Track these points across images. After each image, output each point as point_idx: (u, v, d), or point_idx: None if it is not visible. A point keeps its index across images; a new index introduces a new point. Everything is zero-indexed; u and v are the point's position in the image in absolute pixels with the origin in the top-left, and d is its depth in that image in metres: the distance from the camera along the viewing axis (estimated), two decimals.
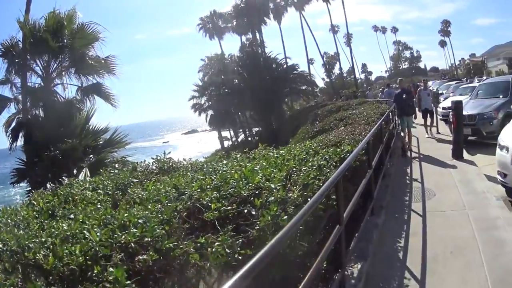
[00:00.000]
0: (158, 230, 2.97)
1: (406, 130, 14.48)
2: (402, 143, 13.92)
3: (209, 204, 3.56)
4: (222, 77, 51.83)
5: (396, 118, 15.80)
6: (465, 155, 12.44)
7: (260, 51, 56.16)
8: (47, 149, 13.99)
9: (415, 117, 15.59)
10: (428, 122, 17.89)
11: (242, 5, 58.79)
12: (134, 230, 2.97)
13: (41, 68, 16.30)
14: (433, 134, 17.05)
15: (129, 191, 4.75)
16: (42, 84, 16.38)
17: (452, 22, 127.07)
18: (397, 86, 18.18)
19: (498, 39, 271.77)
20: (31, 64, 16.27)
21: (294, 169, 4.78)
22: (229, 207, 3.52)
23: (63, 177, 10.33)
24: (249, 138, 54.35)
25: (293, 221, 2.86)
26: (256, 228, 3.27)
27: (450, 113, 13.36)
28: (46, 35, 15.30)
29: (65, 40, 16.04)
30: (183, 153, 69.49)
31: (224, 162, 6.05)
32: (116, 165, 11.25)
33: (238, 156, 6.63)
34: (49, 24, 15.73)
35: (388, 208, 8.17)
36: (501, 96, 15.52)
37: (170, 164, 6.87)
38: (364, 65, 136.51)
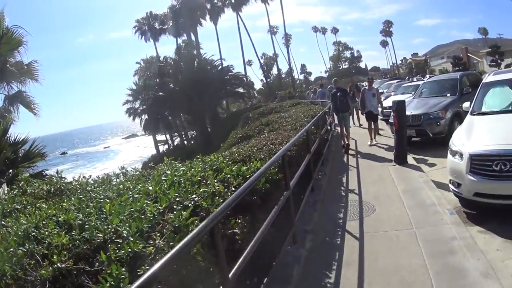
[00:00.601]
0: None
1: (344, 128, 14.46)
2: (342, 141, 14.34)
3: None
4: (157, 80, 50.41)
5: (334, 120, 16.66)
6: (410, 158, 11.08)
7: (195, 53, 55.09)
8: None
9: (352, 116, 17.10)
10: (373, 127, 15.05)
11: (178, 6, 57.64)
12: None
13: None
14: (377, 142, 14.61)
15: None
16: None
17: (395, 23, 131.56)
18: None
19: (441, 38, 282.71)
20: None
21: (177, 199, 3.85)
22: (64, 264, 2.89)
23: None
24: (185, 142, 53.83)
25: None
26: None
27: (392, 114, 12.04)
28: None
29: None
30: (124, 158, 70.09)
31: (119, 180, 5.85)
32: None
33: (137, 172, 6.33)
34: None
35: (316, 232, 6.70)
36: (448, 95, 14.43)
37: (58, 186, 6.30)
38: (303, 66, 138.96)
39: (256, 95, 72.83)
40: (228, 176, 4.88)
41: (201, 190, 4.15)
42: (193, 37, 59.60)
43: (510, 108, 8.12)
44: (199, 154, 6.88)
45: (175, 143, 56.21)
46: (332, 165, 11.64)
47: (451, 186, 7.25)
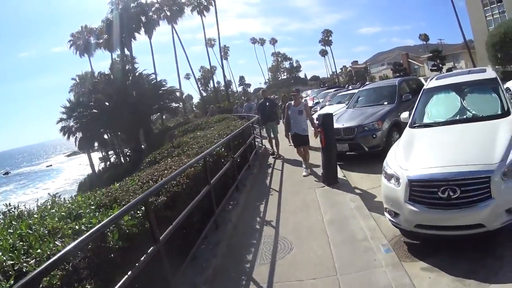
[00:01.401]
0: None
1: (272, 136, 14.40)
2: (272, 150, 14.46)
3: None
4: (93, 96, 48.27)
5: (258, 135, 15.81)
6: (341, 177, 9.68)
7: (129, 68, 53.25)
8: None
9: (278, 124, 14.97)
10: (304, 152, 11.47)
11: (111, 19, 55.56)
12: None
13: None
14: (310, 172, 11.06)
15: None
16: None
17: (336, 32, 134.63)
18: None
19: (382, 46, 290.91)
20: None
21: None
22: None
23: None
24: (122, 160, 51.97)
25: None
26: None
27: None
28: None
29: None
30: (67, 177, 66.93)
31: None
32: None
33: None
34: None
35: (215, 282, 5.40)
36: (385, 103, 13.00)
37: None
38: (242, 78, 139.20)
39: (194, 109, 71.47)
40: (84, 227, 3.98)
41: (38, 251, 3.42)
42: (127, 51, 57.52)
43: (457, 118, 6.79)
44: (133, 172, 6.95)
45: (112, 160, 54.50)
46: (251, 190, 10.06)
47: (387, 215, 5.97)
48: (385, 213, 5.98)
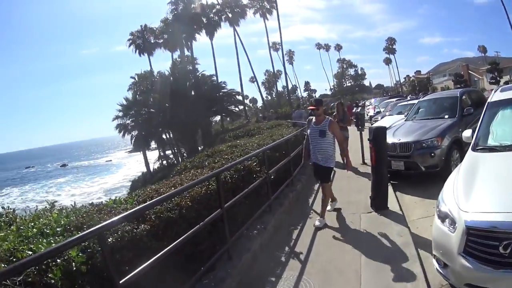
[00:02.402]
0: None
1: None
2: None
3: None
4: (151, 95, 48.88)
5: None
6: (392, 200, 8.44)
7: (190, 68, 53.67)
8: None
9: None
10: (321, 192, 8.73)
11: (170, 20, 56.06)
12: None
13: None
14: (323, 223, 8.17)
15: None
16: None
17: (398, 41, 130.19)
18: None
19: (443, 57, 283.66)
20: None
21: None
22: None
23: None
24: (179, 159, 50.38)
25: None
26: None
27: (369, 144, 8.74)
28: None
29: None
30: (126, 173, 68.20)
31: None
32: None
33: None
34: None
35: None
36: (446, 116, 11.53)
37: None
38: (307, 83, 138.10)
39: (259, 113, 71.11)
40: None
41: None
42: (188, 52, 58.44)
43: None
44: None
45: (168, 160, 54.16)
46: (288, 211, 8.85)
47: (435, 264, 4.70)
48: (433, 260, 4.78)
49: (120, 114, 49.38)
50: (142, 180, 45.53)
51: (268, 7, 69.77)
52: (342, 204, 8.89)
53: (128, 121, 49.56)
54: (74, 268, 3.43)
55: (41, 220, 4.46)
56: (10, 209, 5.48)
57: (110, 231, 3.93)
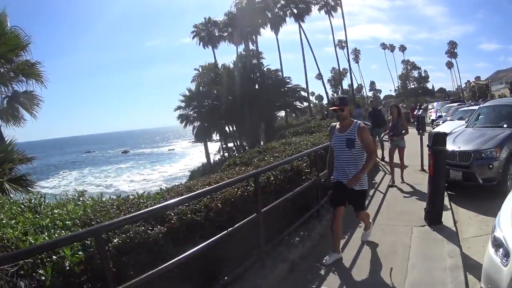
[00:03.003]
0: None
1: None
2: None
3: None
4: (214, 88, 49.54)
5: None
6: (447, 214, 7.86)
7: (254, 62, 53.63)
8: None
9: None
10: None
11: (234, 12, 56.51)
12: None
13: None
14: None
15: None
16: None
17: (460, 45, 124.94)
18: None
19: (500, 64, 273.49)
20: None
21: None
22: None
23: None
24: (242, 151, 51.11)
25: None
26: None
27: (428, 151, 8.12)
28: None
29: None
30: (188, 162, 69.78)
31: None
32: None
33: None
34: None
35: None
36: (505, 126, 10.74)
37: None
38: (372, 83, 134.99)
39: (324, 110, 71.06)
40: None
41: None
42: (251, 46, 58.69)
43: None
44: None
45: (228, 152, 54.59)
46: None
47: None
48: None
49: (183, 104, 50.55)
50: (202, 171, 46.09)
51: (332, 4, 68.51)
52: (395, 213, 8.56)
53: (191, 112, 50.48)
54: (68, 268, 3.26)
55: (56, 210, 4.30)
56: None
57: (117, 231, 3.73)
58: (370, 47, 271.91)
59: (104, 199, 5.00)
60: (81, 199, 5.05)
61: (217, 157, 55.21)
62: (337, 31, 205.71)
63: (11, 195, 12.95)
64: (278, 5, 60.68)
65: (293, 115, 57.67)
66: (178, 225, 4.31)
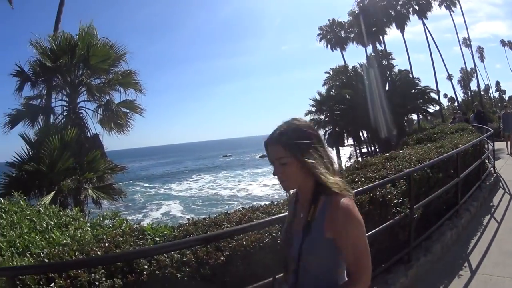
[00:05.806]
0: None
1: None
2: None
3: None
4: (345, 91, 48.30)
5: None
6: None
7: (384, 64, 51.74)
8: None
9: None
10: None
11: (357, 12, 56.11)
12: None
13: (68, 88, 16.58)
14: None
15: None
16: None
17: None
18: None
19: None
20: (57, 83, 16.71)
21: None
22: None
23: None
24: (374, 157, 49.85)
25: None
26: None
27: None
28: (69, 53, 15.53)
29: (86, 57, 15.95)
30: None
31: None
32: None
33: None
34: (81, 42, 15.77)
35: None
36: None
37: None
38: (497, 83, 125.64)
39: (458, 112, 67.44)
40: None
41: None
42: (378, 46, 57.27)
43: None
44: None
45: (360, 159, 51.86)
46: (439, 258, 6.31)
47: None
48: None
49: (313, 109, 50.22)
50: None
51: None
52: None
53: (322, 117, 50.14)
54: None
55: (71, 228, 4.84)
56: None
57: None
58: (492, 45, 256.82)
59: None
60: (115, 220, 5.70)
61: (349, 163, 53.64)
62: (460, 30, 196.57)
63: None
64: (400, 2, 58.40)
65: (427, 118, 55.39)
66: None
